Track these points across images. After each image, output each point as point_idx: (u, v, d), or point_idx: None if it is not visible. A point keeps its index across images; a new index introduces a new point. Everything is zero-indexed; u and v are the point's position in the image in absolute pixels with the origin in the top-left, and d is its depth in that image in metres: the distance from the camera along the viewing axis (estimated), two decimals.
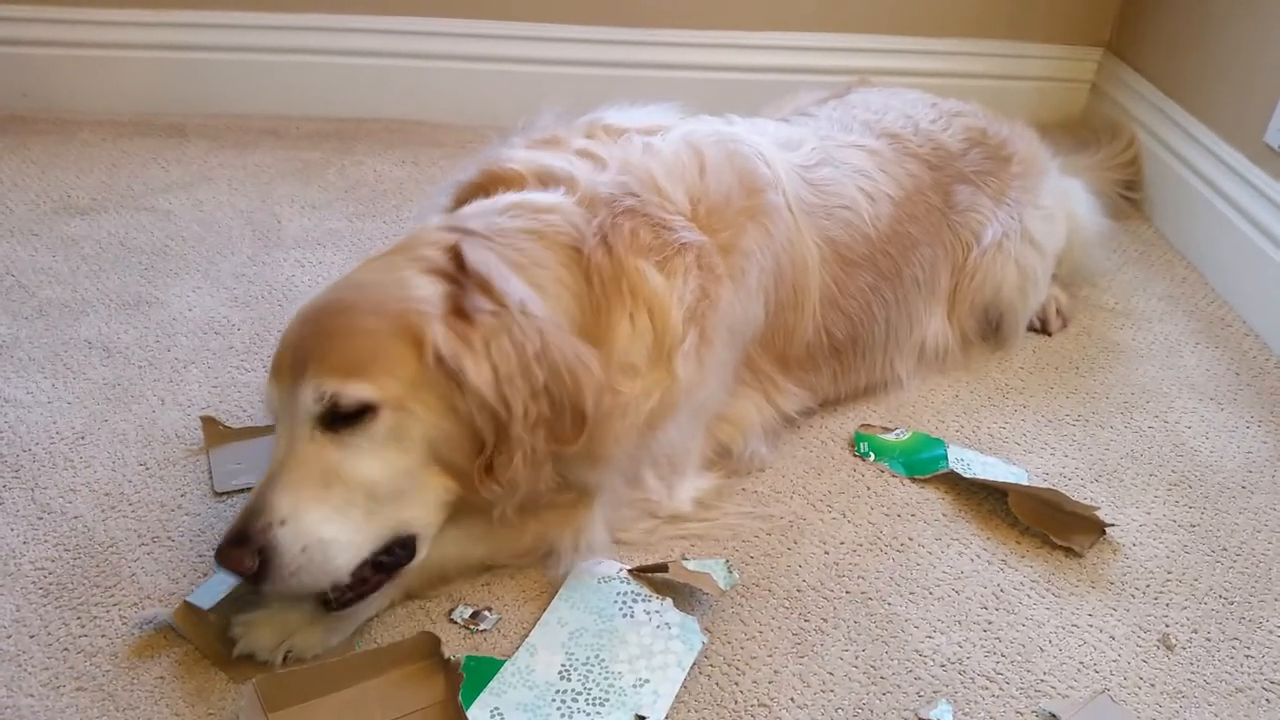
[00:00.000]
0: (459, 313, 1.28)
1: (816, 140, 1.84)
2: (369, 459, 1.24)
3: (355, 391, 1.22)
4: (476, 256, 1.33)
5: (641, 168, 1.55)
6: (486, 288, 1.31)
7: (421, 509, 1.31)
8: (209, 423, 1.69)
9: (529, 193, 1.51)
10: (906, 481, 1.73)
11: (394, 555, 1.31)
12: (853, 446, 1.79)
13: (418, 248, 1.37)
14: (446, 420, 1.29)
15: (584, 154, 1.58)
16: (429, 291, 1.30)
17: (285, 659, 1.31)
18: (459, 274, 1.32)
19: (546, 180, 1.53)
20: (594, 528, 1.49)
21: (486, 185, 1.57)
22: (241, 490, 1.58)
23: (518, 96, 2.75)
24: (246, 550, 1.17)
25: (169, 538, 1.50)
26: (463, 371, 1.26)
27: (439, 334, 1.26)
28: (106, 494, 1.57)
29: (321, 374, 1.23)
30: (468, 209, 1.51)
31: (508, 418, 1.28)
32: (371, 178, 2.53)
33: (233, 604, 1.34)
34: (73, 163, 2.47)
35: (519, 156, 1.58)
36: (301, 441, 1.23)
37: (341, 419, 1.23)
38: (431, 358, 1.25)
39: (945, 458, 1.73)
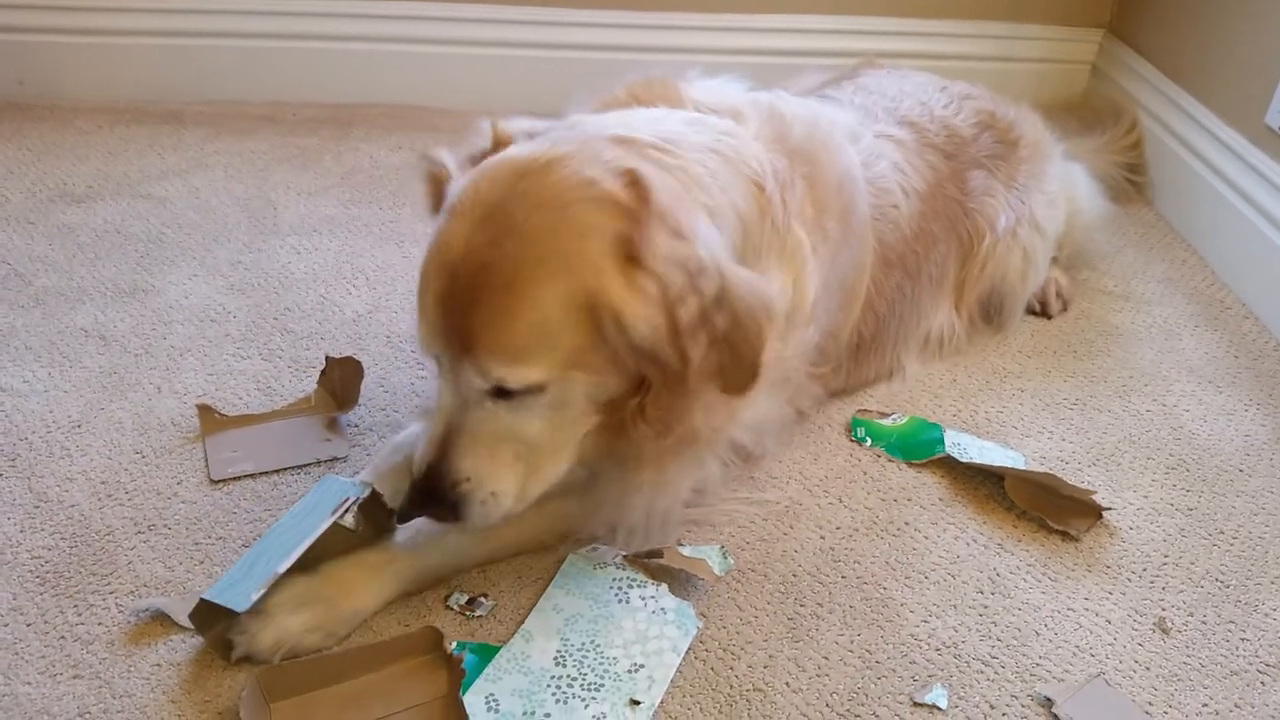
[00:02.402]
0: (635, 258, 1.17)
1: (870, 136, 1.79)
2: (536, 420, 1.26)
3: (523, 376, 1.20)
4: (660, 185, 1.21)
5: (801, 137, 1.51)
6: (670, 221, 1.20)
7: (577, 449, 1.34)
8: (205, 410, 1.69)
9: (702, 114, 1.44)
10: (903, 466, 1.72)
11: None
12: (849, 431, 1.79)
13: (587, 165, 1.22)
14: (609, 375, 1.25)
15: (727, 100, 1.52)
16: (602, 237, 1.18)
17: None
18: (638, 204, 1.18)
19: (705, 111, 1.47)
20: (672, 513, 1.47)
21: (642, 98, 1.49)
22: (238, 478, 1.58)
23: (516, 81, 2.75)
24: (444, 506, 1.29)
25: (165, 525, 1.50)
26: (640, 329, 1.18)
27: (616, 292, 1.17)
28: (103, 482, 1.57)
29: (488, 358, 1.19)
30: (643, 113, 1.41)
31: (683, 368, 1.21)
32: (368, 164, 2.52)
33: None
34: (69, 150, 2.46)
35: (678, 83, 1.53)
36: (473, 407, 1.25)
37: (509, 392, 1.23)
38: (610, 322, 1.18)
39: (942, 442, 1.73)
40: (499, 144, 1.33)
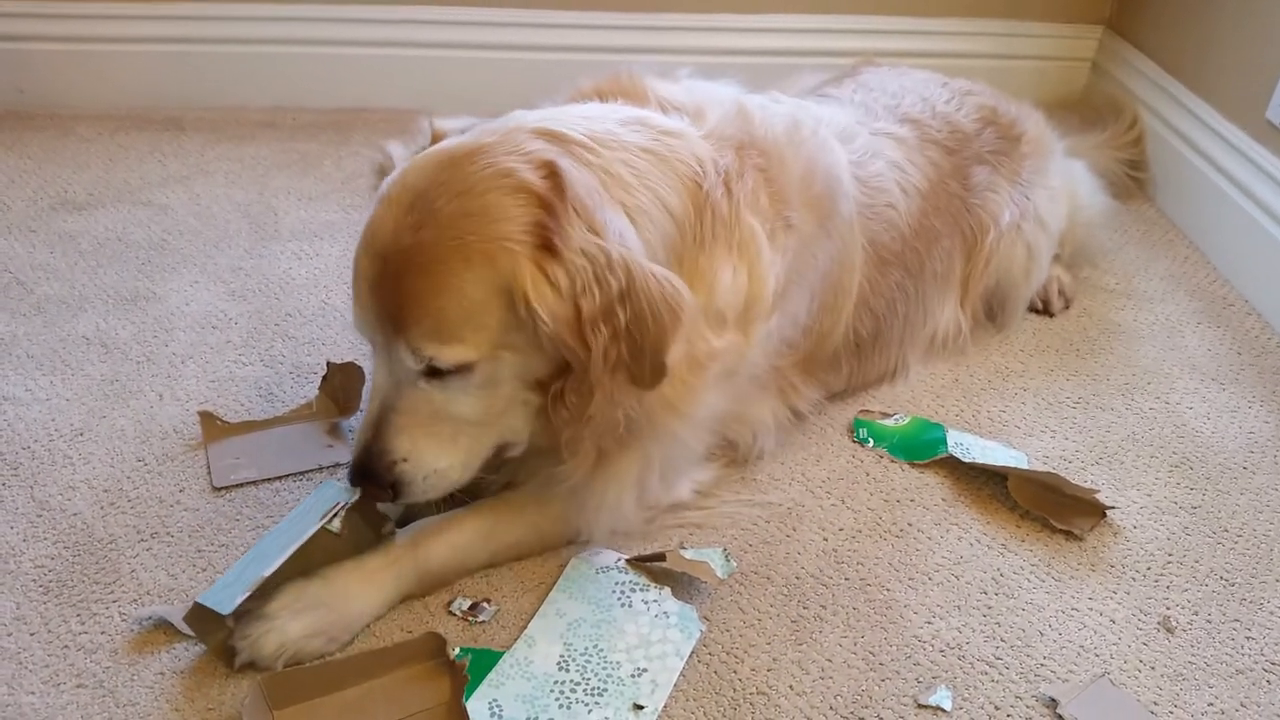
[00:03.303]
0: (547, 246, 1.22)
1: (866, 134, 1.80)
2: (469, 398, 1.31)
3: (452, 355, 1.26)
4: (577, 179, 1.26)
5: (766, 132, 1.53)
6: (583, 214, 1.25)
7: (518, 420, 1.38)
8: (207, 418, 1.69)
9: (652, 112, 1.47)
10: (905, 467, 1.72)
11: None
12: (851, 432, 1.79)
13: (508, 155, 1.27)
14: (535, 354, 1.30)
15: (696, 97, 1.54)
16: (516, 224, 1.23)
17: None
18: (553, 195, 1.23)
19: (668, 108, 1.50)
20: (622, 504, 1.47)
21: (605, 93, 1.53)
22: (240, 485, 1.58)
23: (515, 84, 2.73)
24: (380, 485, 1.34)
25: (168, 533, 1.50)
26: (544, 316, 1.23)
27: (526, 277, 1.22)
28: (105, 490, 1.57)
29: (417, 338, 1.25)
30: (579, 108, 1.44)
31: (587, 358, 1.25)
32: (368, 169, 2.51)
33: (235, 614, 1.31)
34: (70, 158, 2.47)
35: (644, 78, 1.55)
36: (407, 387, 1.31)
37: (440, 372, 1.28)
38: (521, 305, 1.23)
39: (944, 442, 1.72)
40: (435, 140, 1.39)
